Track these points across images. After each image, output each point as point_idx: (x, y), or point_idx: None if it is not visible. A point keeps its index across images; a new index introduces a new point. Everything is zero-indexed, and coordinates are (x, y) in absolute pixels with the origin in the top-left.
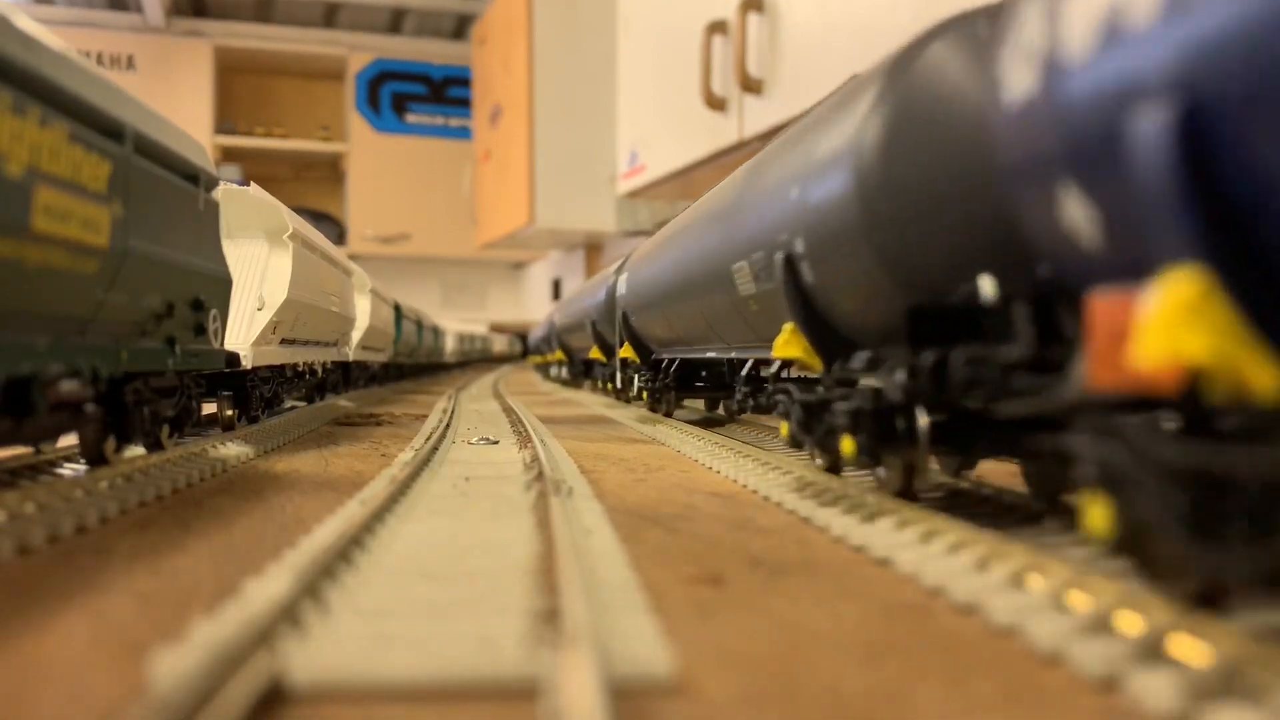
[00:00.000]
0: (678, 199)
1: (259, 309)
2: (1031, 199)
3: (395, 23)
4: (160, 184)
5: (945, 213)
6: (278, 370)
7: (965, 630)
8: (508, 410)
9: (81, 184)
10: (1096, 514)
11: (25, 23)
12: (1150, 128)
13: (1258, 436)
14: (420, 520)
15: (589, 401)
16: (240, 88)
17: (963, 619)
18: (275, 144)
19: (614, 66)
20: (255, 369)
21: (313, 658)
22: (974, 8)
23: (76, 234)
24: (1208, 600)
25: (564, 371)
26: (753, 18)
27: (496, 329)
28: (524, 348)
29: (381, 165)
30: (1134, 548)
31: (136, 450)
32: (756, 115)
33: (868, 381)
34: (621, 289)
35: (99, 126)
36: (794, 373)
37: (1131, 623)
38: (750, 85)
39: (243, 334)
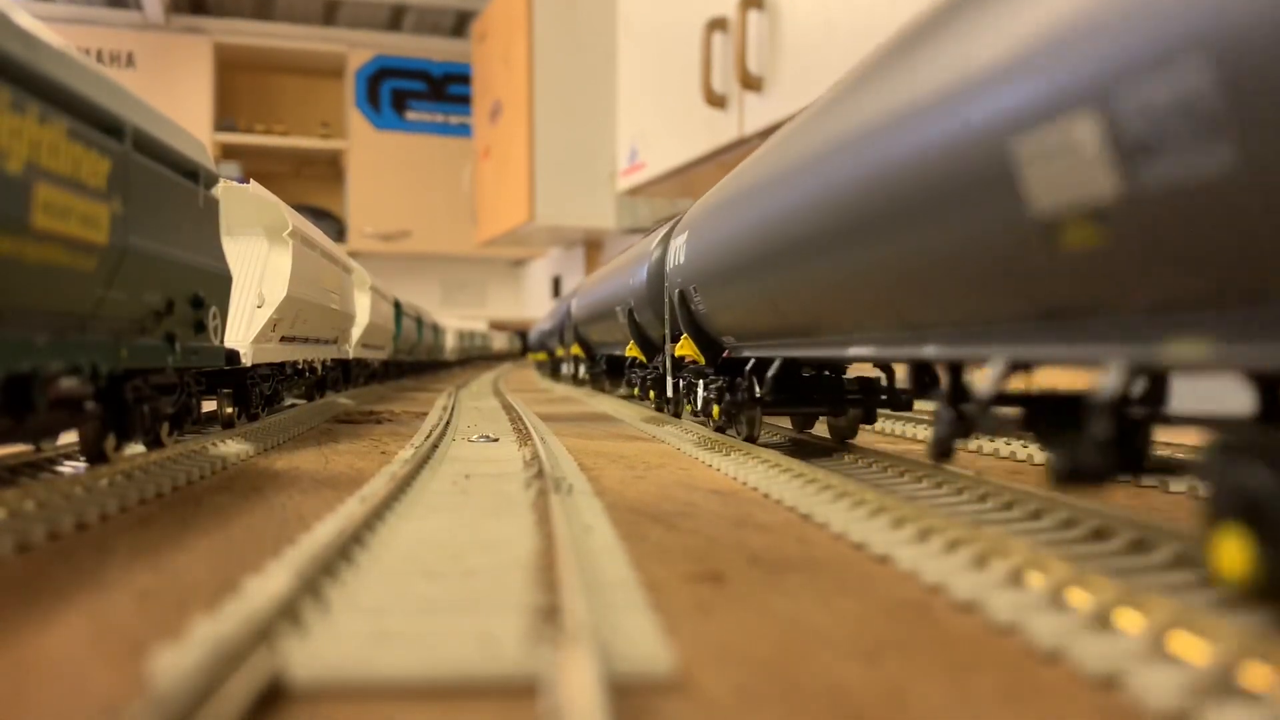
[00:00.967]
0: (678, 196)
1: (259, 306)
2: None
3: (395, 19)
4: (160, 181)
5: None
6: (277, 368)
7: (965, 627)
8: (508, 408)
9: (81, 181)
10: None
11: (25, 20)
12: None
13: None
14: (420, 518)
15: (586, 399)
16: (240, 85)
17: (962, 616)
18: (275, 141)
19: (614, 63)
20: (255, 366)
21: (313, 655)
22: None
23: (76, 231)
24: None
25: (581, 370)
26: (753, 15)
27: (496, 326)
28: (524, 345)
29: (381, 162)
30: None
31: (136, 447)
32: (756, 113)
33: None
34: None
35: (98, 123)
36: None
37: (1132, 620)
38: (750, 82)
39: (242, 331)
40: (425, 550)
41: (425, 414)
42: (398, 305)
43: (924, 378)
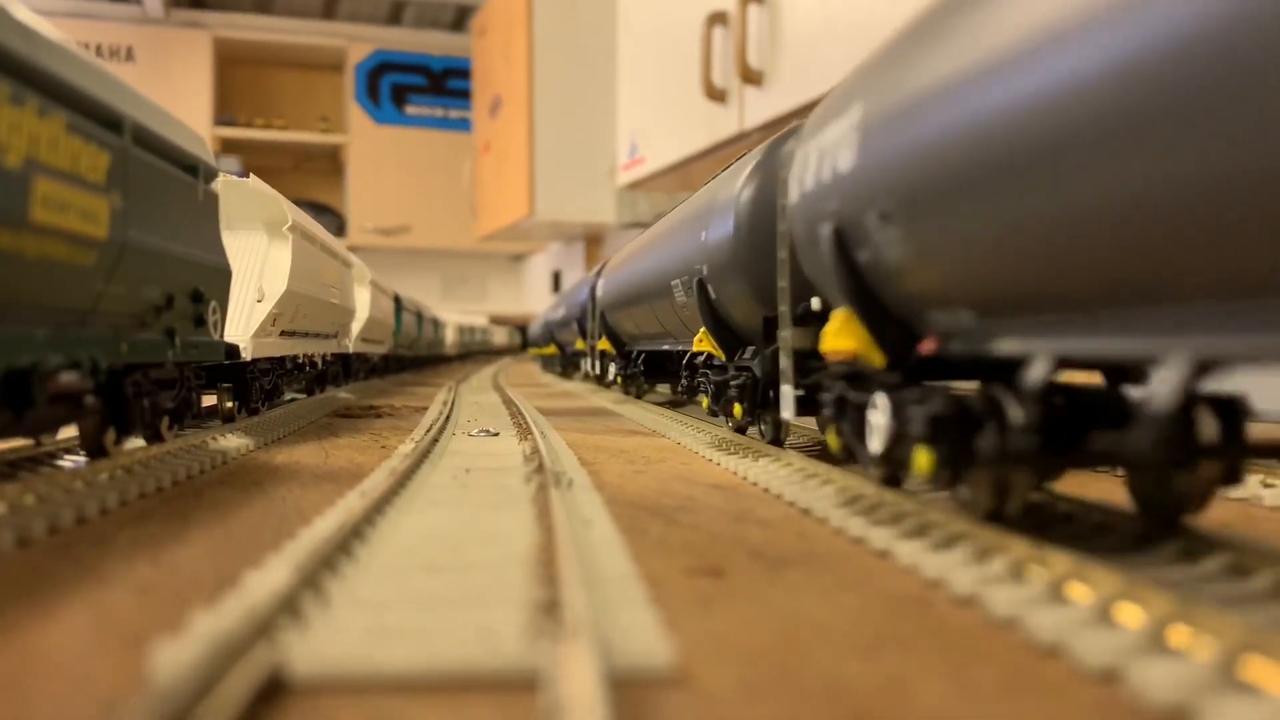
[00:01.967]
0: (677, 190)
1: (259, 301)
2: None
3: (395, 14)
4: (159, 175)
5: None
6: (277, 362)
7: (965, 622)
8: (508, 402)
9: (80, 175)
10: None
11: (24, 14)
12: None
13: None
14: (420, 512)
15: (587, 393)
16: (240, 79)
17: (962, 610)
18: (275, 135)
19: (614, 58)
20: (255, 361)
21: (313, 649)
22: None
23: (75, 225)
24: None
25: (611, 369)
26: (753, 9)
27: (496, 321)
28: (524, 340)
29: (381, 157)
30: None
31: (136, 442)
32: (756, 107)
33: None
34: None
35: (98, 117)
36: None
37: (1132, 614)
38: (750, 76)
39: (242, 326)
40: (425, 544)
41: (425, 408)
42: (398, 300)
43: None
